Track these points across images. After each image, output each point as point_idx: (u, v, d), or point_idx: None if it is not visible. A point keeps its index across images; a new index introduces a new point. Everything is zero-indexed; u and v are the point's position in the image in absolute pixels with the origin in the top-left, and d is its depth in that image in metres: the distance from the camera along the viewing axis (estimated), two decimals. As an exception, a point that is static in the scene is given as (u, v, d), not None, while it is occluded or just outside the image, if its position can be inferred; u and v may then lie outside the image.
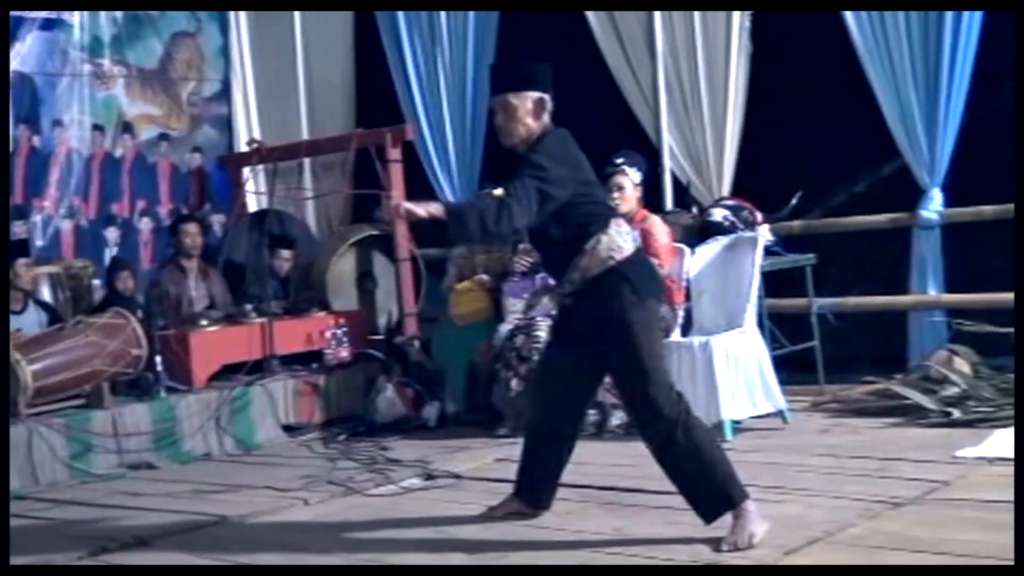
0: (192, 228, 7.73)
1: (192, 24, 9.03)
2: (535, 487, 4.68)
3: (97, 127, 8.39)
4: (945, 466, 4.96)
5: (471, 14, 8.28)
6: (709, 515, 4.18)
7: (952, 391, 6.02)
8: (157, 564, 4.44)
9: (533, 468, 4.68)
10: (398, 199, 4.31)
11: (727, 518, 4.15)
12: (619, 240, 4.36)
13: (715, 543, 4.08)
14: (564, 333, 4.53)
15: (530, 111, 4.39)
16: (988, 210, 6.77)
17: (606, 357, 4.39)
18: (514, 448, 6.00)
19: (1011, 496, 4.39)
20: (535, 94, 4.40)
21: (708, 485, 4.18)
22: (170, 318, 7.33)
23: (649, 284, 4.41)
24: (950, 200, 6.85)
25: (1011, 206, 6.65)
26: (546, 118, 4.44)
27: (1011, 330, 6.23)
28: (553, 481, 4.68)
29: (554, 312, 5.06)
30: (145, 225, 8.63)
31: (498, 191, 7.02)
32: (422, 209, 4.18)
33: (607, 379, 6.15)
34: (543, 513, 4.66)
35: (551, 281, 4.84)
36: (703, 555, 4.02)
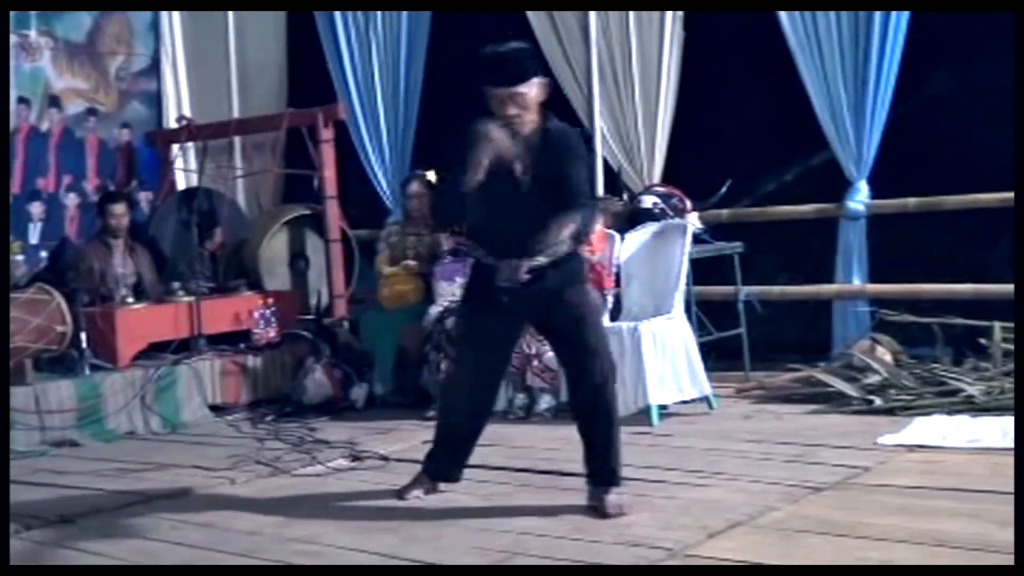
0: (118, 208, 7.60)
1: (122, -2, 8.90)
2: (448, 462, 4.80)
3: (23, 100, 8.24)
4: (866, 452, 5.06)
5: (405, -5, 8.25)
6: (603, 483, 4.46)
7: (874, 379, 6.13)
8: (81, 545, 4.40)
9: (449, 442, 4.78)
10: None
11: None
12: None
13: (594, 510, 4.38)
14: (509, 306, 4.50)
15: (537, 97, 4.43)
16: (912, 202, 6.89)
17: (568, 323, 4.54)
18: (443, 430, 6.04)
19: (929, 482, 4.51)
20: (540, 78, 4.44)
21: (612, 454, 4.51)
22: (95, 295, 7.23)
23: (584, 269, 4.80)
24: (875, 192, 6.97)
25: (934, 198, 6.80)
26: None
27: (932, 320, 6.37)
28: (467, 455, 4.82)
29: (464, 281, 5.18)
30: (71, 201, 8.49)
31: (430, 174, 7.07)
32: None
33: (535, 363, 6.23)
34: (444, 489, 4.77)
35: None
36: (626, 536, 4.07)
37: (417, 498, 4.75)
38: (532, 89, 4.39)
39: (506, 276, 4.40)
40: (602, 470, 4.50)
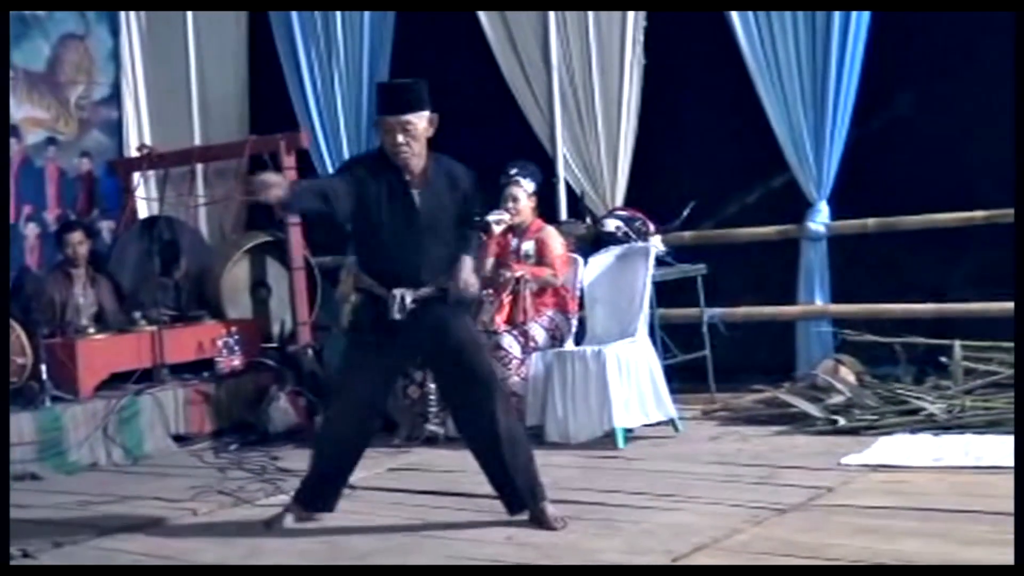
0: (75, 237, 7.52)
1: (81, 26, 8.84)
2: (322, 492, 4.83)
3: (-19, 129, 8.18)
4: (830, 473, 5.08)
5: (367, 23, 8.25)
6: (521, 507, 4.61)
7: (837, 399, 6.15)
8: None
9: (327, 473, 4.83)
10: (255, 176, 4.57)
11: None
12: None
13: (537, 520, 4.51)
14: (397, 337, 4.63)
15: (426, 130, 4.57)
16: (872, 222, 6.94)
17: (453, 355, 4.66)
18: (408, 457, 6.05)
19: (893, 502, 4.53)
20: (428, 112, 4.57)
21: (534, 470, 4.61)
22: (56, 326, 7.16)
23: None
24: (836, 213, 7.01)
25: (894, 219, 6.85)
26: None
27: (894, 339, 6.40)
28: (342, 485, 4.88)
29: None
30: (31, 231, 8.42)
31: None
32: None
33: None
34: (317, 518, 4.81)
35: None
36: (593, 560, 4.05)
37: (288, 525, 4.78)
38: (422, 121, 4.54)
39: (398, 307, 4.52)
40: (533, 489, 4.58)
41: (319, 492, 4.84)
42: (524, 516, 4.61)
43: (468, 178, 4.72)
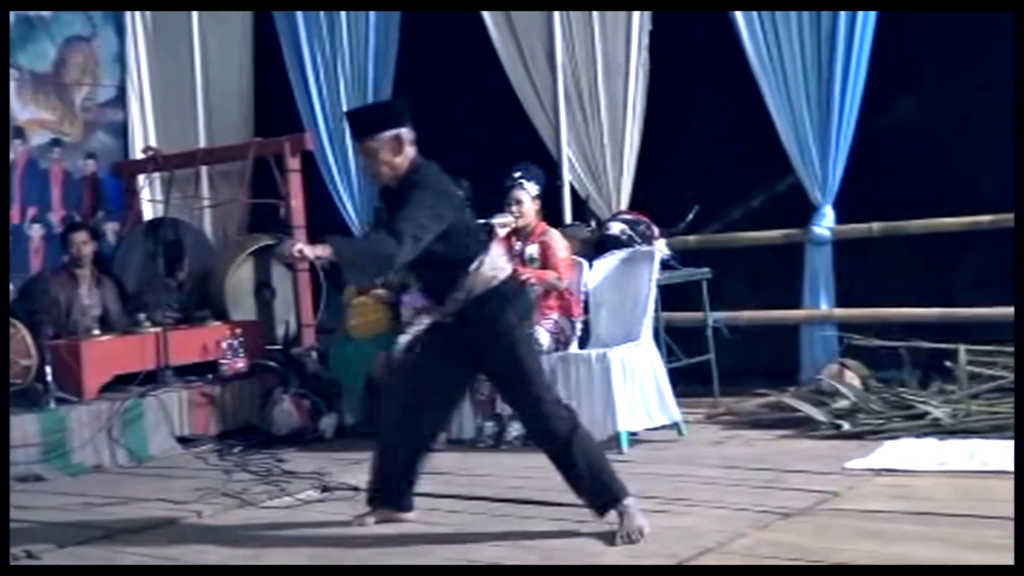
0: (80, 237, 7.54)
1: (87, 28, 8.87)
2: (401, 491, 4.79)
3: (-15, 130, 8.20)
4: (835, 477, 5.07)
5: (372, 25, 8.25)
6: (602, 508, 4.43)
7: (842, 404, 6.14)
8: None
9: (394, 474, 4.79)
10: (295, 242, 4.47)
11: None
12: (500, 261, 4.62)
13: (608, 537, 4.30)
14: (443, 349, 4.65)
15: (389, 150, 4.54)
16: (876, 227, 6.93)
17: (491, 371, 4.68)
18: (412, 460, 6.01)
19: (898, 507, 4.51)
20: (388, 133, 4.53)
21: (595, 483, 4.44)
22: (60, 327, 7.18)
23: (526, 305, 4.75)
24: (840, 217, 7.01)
25: (899, 223, 6.84)
26: (410, 151, 4.58)
27: (899, 344, 6.40)
28: (414, 484, 4.83)
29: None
30: (36, 232, 8.44)
31: None
32: (317, 250, 4.36)
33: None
34: (407, 518, 4.77)
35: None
36: (597, 563, 4.05)
37: (369, 524, 4.77)
38: (380, 144, 4.52)
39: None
40: (602, 497, 4.44)
41: (397, 492, 4.80)
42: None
43: (430, 178, 4.52)
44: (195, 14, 8.99)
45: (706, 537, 4.26)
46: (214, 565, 4.40)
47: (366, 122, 4.66)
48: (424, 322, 6.44)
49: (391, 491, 4.80)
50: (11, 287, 7.95)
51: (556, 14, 7.60)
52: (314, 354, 7.50)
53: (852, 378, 6.43)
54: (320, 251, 4.34)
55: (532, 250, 6.47)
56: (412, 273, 4.94)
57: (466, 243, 4.56)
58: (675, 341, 6.99)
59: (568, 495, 4.55)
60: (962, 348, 6.12)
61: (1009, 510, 4.19)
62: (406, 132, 4.56)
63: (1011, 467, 4.85)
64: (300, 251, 4.36)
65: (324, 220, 8.44)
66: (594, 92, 7.56)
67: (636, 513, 4.38)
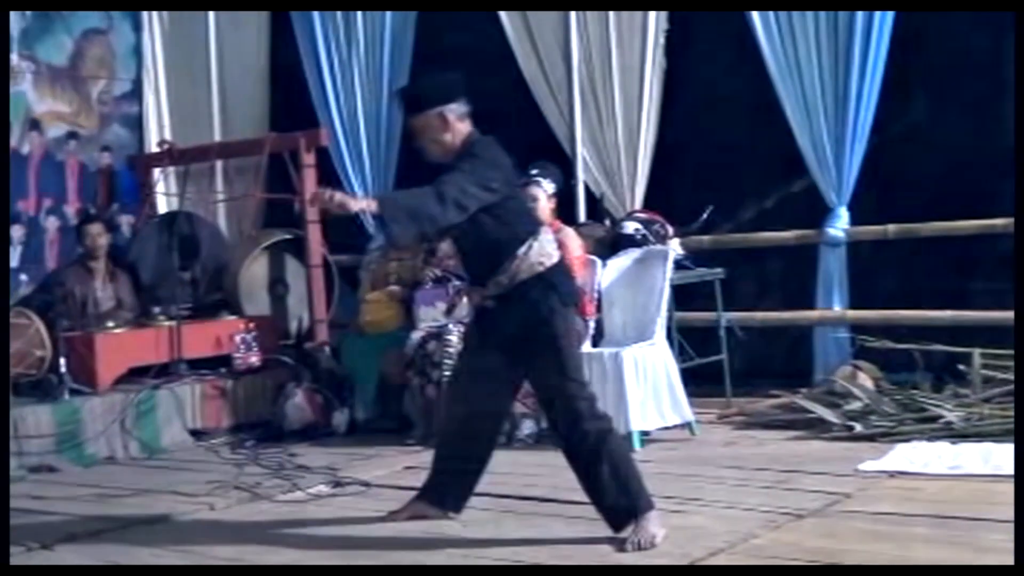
0: (95, 229, 7.58)
1: (104, 22, 8.88)
2: (444, 491, 4.71)
3: (3, 123, 8.21)
4: (847, 479, 5.07)
5: (388, 23, 8.26)
6: (619, 525, 4.28)
7: (855, 405, 6.14)
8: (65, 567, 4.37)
9: (446, 472, 4.71)
10: (335, 193, 4.31)
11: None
12: (548, 247, 4.45)
13: (619, 543, 4.22)
14: (485, 336, 4.53)
15: (438, 127, 4.43)
16: (891, 229, 6.92)
17: (528, 361, 4.45)
18: (424, 456, 6.02)
19: (909, 509, 4.51)
20: (433, 111, 4.42)
21: (620, 496, 4.29)
22: (75, 319, 7.20)
23: (572, 293, 4.56)
24: (855, 219, 7.00)
25: (914, 225, 6.83)
26: (462, 126, 4.46)
27: (912, 346, 6.39)
28: (467, 487, 4.70)
29: (467, 318, 5.08)
30: (51, 224, 8.46)
31: None
32: (361, 204, 4.28)
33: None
34: (450, 516, 4.68)
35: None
36: (608, 562, 4.06)
37: (398, 520, 4.73)
38: (428, 120, 4.42)
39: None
40: (622, 514, 4.29)
41: (439, 490, 4.72)
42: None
43: (480, 148, 4.40)
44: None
45: (718, 537, 4.26)
46: (226, 561, 4.41)
47: (411, 100, 4.57)
48: (441, 320, 6.52)
49: (444, 490, 4.71)
50: (25, 279, 8.00)
51: (572, 14, 7.61)
52: (327, 349, 7.51)
53: (865, 380, 6.42)
54: (364, 204, 4.28)
55: (546, 248, 6.46)
56: (457, 248, 4.75)
57: (517, 223, 4.40)
58: (688, 341, 6.99)
59: (579, 492, 4.55)
60: (976, 352, 6.11)
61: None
62: (454, 108, 4.42)
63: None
64: (343, 203, 4.20)
65: (338, 216, 8.45)
66: (609, 91, 7.56)
67: (653, 520, 4.27)
